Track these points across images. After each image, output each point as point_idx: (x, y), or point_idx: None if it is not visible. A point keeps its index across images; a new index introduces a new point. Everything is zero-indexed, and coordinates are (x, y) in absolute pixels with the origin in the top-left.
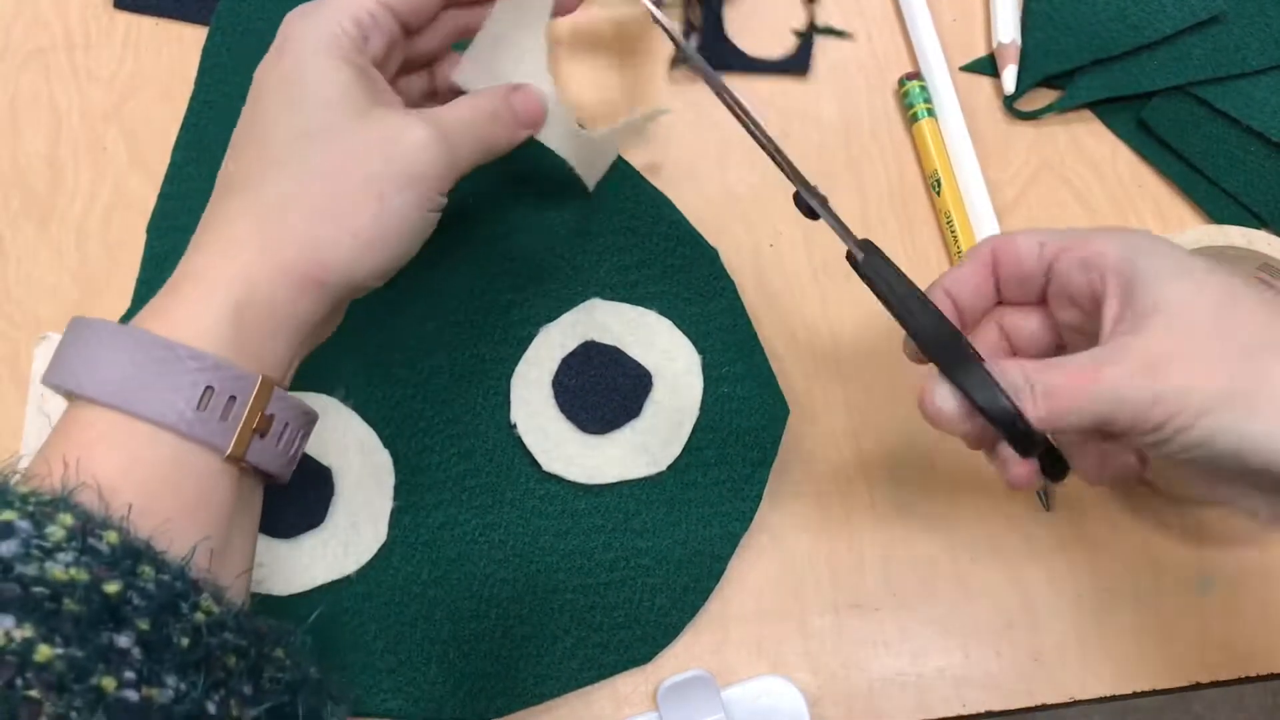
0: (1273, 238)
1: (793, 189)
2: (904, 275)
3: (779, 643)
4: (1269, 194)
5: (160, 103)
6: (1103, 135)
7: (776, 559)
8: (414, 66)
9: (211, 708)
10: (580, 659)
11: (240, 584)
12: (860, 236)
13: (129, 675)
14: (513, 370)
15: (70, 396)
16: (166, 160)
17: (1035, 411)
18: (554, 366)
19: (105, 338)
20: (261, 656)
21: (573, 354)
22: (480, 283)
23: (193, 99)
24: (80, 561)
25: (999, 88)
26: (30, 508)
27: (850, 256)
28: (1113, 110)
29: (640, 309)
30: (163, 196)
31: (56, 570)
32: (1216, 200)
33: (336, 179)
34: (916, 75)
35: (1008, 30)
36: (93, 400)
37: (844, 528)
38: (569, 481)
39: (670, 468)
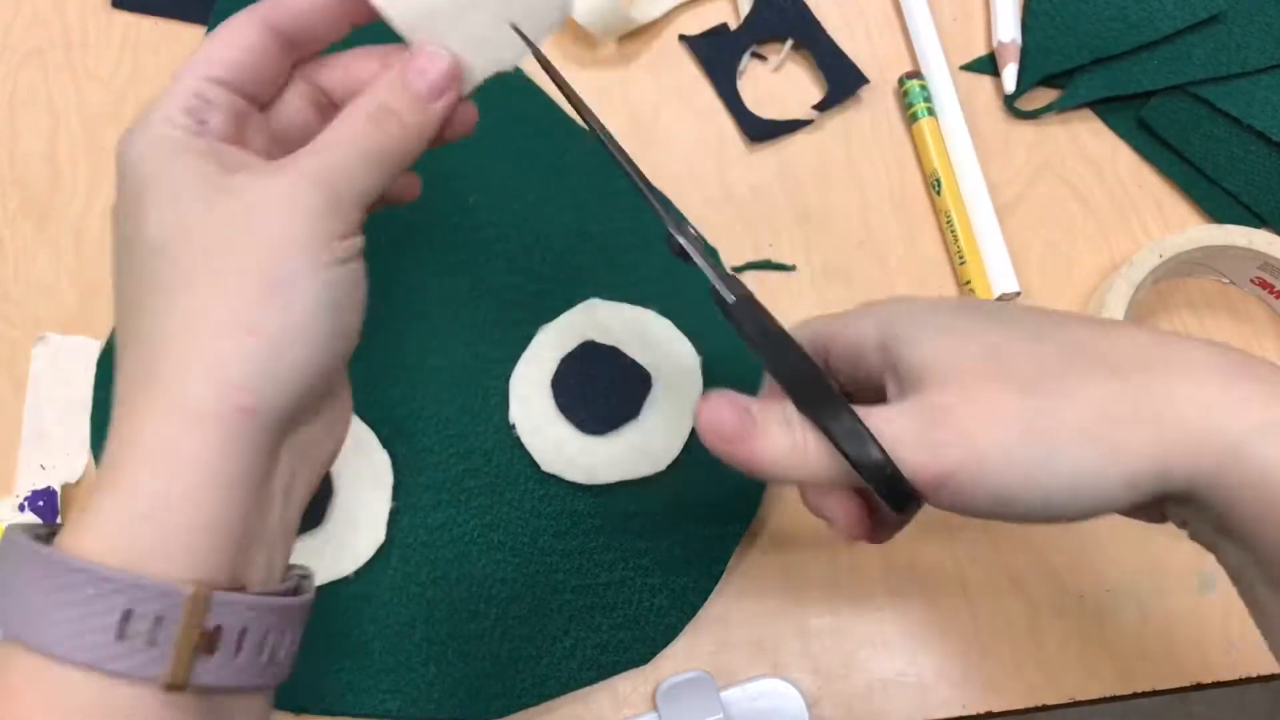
0: (1273, 237)
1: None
2: (775, 320)
3: (778, 643)
4: (1269, 194)
5: None
6: (1103, 135)
7: (777, 560)
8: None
9: None
10: (579, 659)
11: None
12: (859, 239)
13: None
14: (512, 370)
15: None
16: None
17: (931, 466)
18: (553, 366)
19: (20, 564)
20: None
21: (572, 354)
22: (479, 283)
23: None
24: None
25: (999, 87)
26: None
27: (717, 297)
28: (1113, 110)
29: (640, 309)
30: None
31: None
32: (1216, 200)
33: (203, 280)
34: (916, 75)
35: (1008, 29)
36: (14, 639)
37: None
38: (568, 482)
39: (669, 468)
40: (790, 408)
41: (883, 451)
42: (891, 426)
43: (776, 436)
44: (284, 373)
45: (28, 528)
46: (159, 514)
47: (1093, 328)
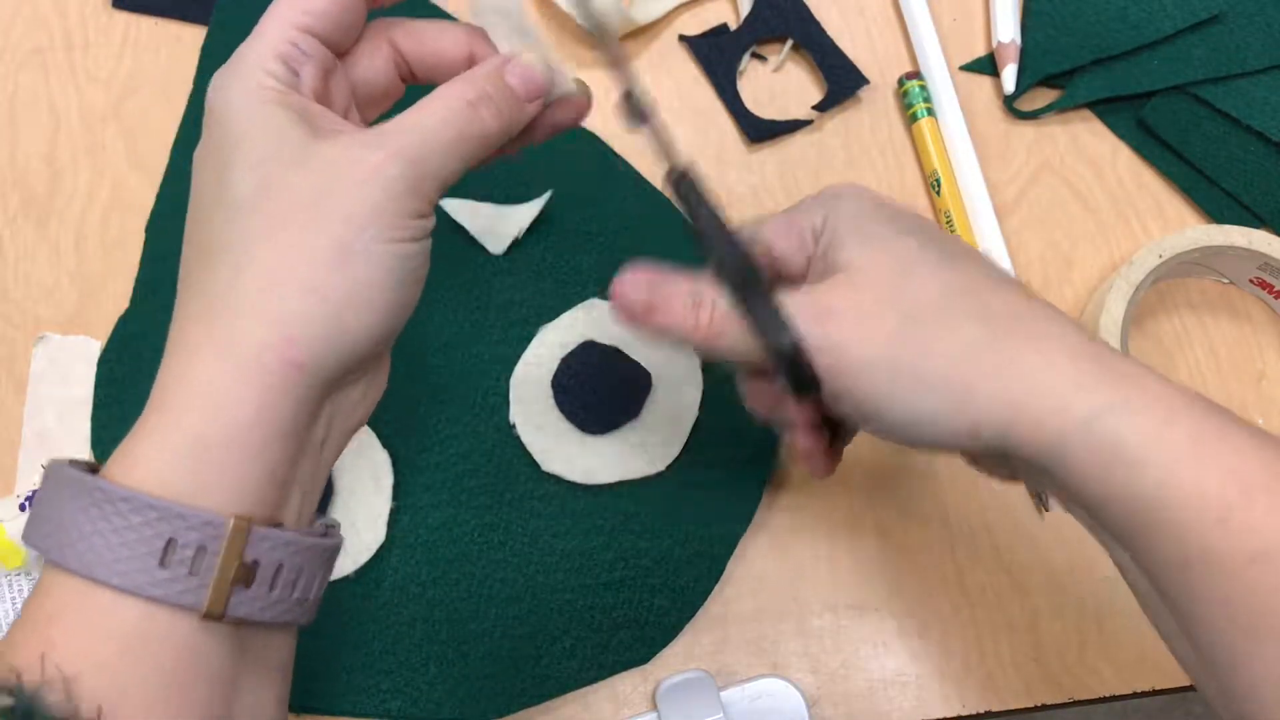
0: (1273, 237)
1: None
2: (715, 208)
3: (778, 643)
4: (1269, 194)
5: (159, 102)
6: (1103, 135)
7: (776, 559)
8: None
9: None
10: (579, 659)
11: None
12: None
13: None
14: (512, 370)
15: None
16: (165, 160)
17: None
18: (554, 366)
19: (66, 491)
20: None
21: (572, 353)
22: (480, 281)
23: (192, 98)
24: None
25: (999, 87)
26: None
27: (669, 176)
28: (1113, 110)
29: None
30: (161, 196)
31: None
32: (1216, 200)
33: (281, 240)
34: (916, 75)
35: (1007, 30)
36: (58, 565)
37: (844, 528)
38: (568, 481)
39: (670, 468)
40: (704, 287)
41: (794, 338)
42: (795, 303)
43: (680, 307)
44: (339, 337)
45: (73, 461)
46: (204, 451)
47: (985, 273)
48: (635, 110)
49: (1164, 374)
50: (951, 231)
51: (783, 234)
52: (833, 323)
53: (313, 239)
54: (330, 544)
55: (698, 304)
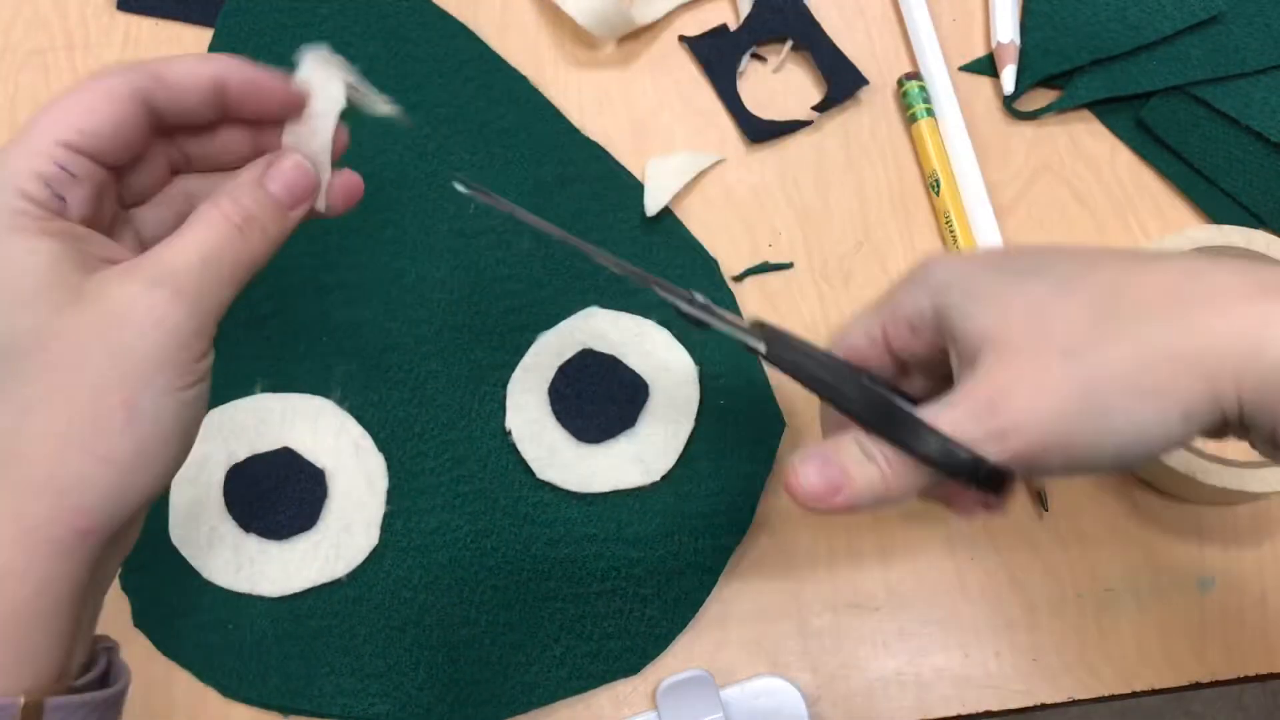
0: (1272, 238)
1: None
2: (815, 346)
3: (778, 643)
4: (1268, 194)
5: None
6: (1102, 135)
7: (776, 559)
8: (147, 199)
9: None
10: (569, 668)
11: None
12: (858, 239)
13: None
14: (509, 377)
15: None
16: None
17: (1001, 456)
18: (551, 374)
19: None
20: None
21: (570, 362)
22: (478, 288)
23: None
24: None
25: (998, 88)
26: None
27: (761, 354)
28: (1112, 110)
29: (639, 318)
30: None
31: None
32: (1216, 200)
33: (63, 402)
34: (916, 75)
35: (1007, 30)
36: None
37: (844, 528)
38: (563, 490)
39: (665, 478)
40: (863, 440)
41: (969, 452)
42: (957, 428)
43: (862, 476)
44: (128, 497)
45: None
46: None
47: (1121, 267)
48: (695, 321)
49: None
50: (951, 233)
51: (891, 326)
52: (1004, 410)
53: (97, 400)
54: (119, 690)
55: (870, 460)
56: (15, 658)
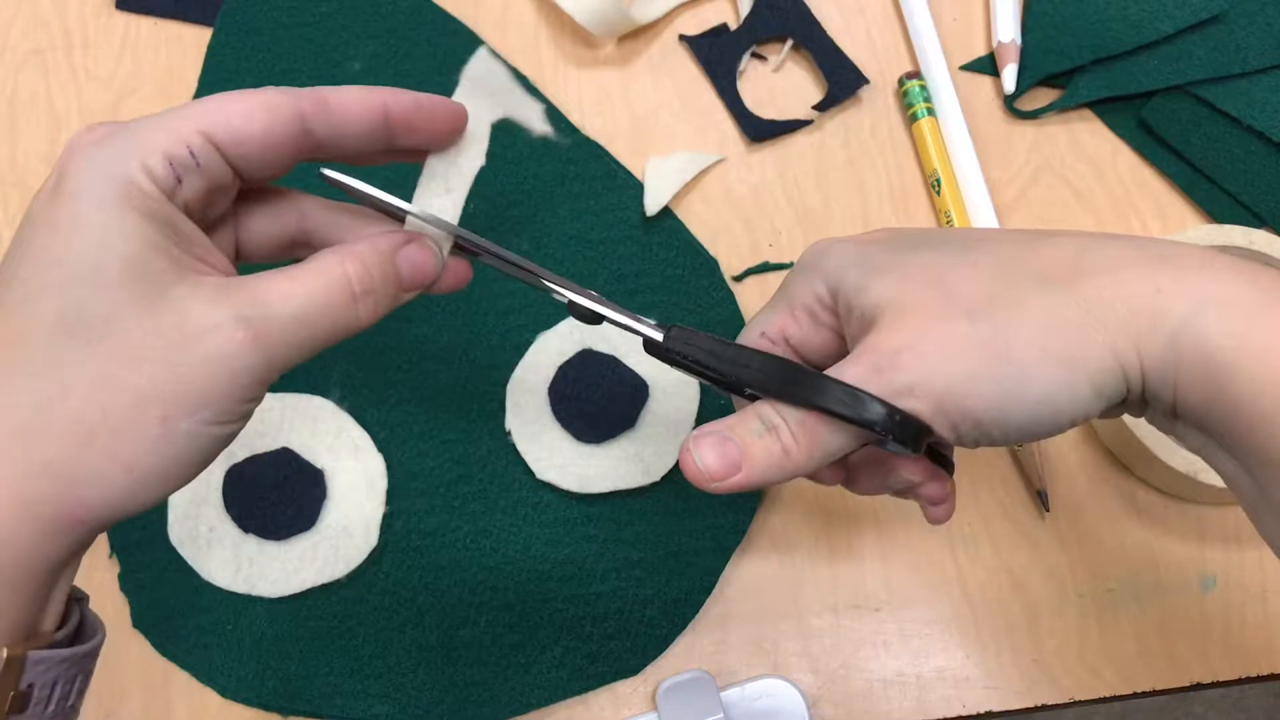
0: (1273, 237)
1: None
2: (714, 337)
3: (778, 643)
4: (1269, 194)
5: (158, 103)
6: (1103, 135)
7: (776, 559)
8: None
9: None
10: (569, 669)
11: None
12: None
13: None
14: (509, 377)
15: None
16: None
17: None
18: (550, 374)
19: None
20: None
21: (570, 362)
22: (478, 288)
23: (196, 98)
24: None
25: (999, 87)
26: None
27: (649, 343)
28: (1113, 110)
29: (639, 318)
30: None
31: None
32: (1216, 200)
33: (105, 390)
34: (916, 75)
35: (1007, 29)
36: None
37: (844, 528)
38: (562, 490)
39: (665, 479)
40: (764, 410)
41: (881, 402)
42: (859, 384)
43: (761, 450)
44: (132, 505)
45: None
46: None
47: (1017, 241)
48: (584, 315)
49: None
50: None
51: (789, 320)
52: (907, 362)
53: (138, 408)
54: (96, 644)
55: (771, 429)
56: (7, 613)
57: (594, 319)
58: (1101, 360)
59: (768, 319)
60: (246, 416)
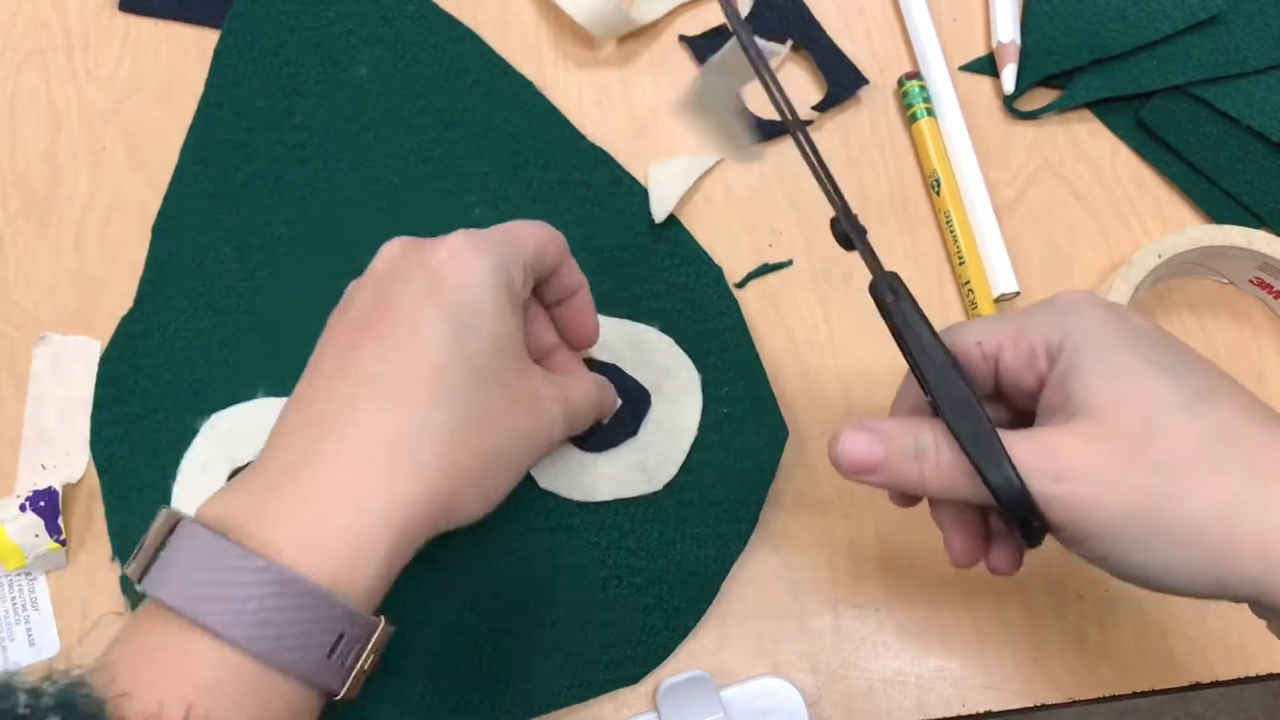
0: (1272, 237)
1: (831, 214)
2: (929, 324)
3: (778, 643)
4: (1269, 194)
5: (159, 103)
6: (1103, 135)
7: (776, 559)
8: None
9: None
10: (569, 676)
11: None
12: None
13: None
14: None
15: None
16: (165, 161)
17: (1047, 506)
18: None
19: (244, 574)
20: None
21: None
22: None
23: (202, 100)
24: None
25: (999, 87)
26: None
27: (875, 291)
28: (1112, 110)
29: (641, 325)
30: (169, 196)
31: None
32: (1216, 200)
33: (494, 431)
34: (916, 75)
35: (1007, 30)
36: (223, 640)
37: (844, 528)
38: (564, 498)
39: (667, 487)
40: (924, 436)
41: (1032, 501)
42: (1030, 455)
43: (903, 469)
44: (461, 520)
45: (203, 523)
46: (391, 564)
47: (1247, 415)
48: (844, 237)
49: None
50: (951, 232)
51: (1010, 345)
52: (1074, 483)
53: (509, 446)
54: (393, 630)
55: (920, 456)
56: (384, 591)
57: (847, 244)
58: (1243, 563)
59: (991, 332)
60: (534, 462)
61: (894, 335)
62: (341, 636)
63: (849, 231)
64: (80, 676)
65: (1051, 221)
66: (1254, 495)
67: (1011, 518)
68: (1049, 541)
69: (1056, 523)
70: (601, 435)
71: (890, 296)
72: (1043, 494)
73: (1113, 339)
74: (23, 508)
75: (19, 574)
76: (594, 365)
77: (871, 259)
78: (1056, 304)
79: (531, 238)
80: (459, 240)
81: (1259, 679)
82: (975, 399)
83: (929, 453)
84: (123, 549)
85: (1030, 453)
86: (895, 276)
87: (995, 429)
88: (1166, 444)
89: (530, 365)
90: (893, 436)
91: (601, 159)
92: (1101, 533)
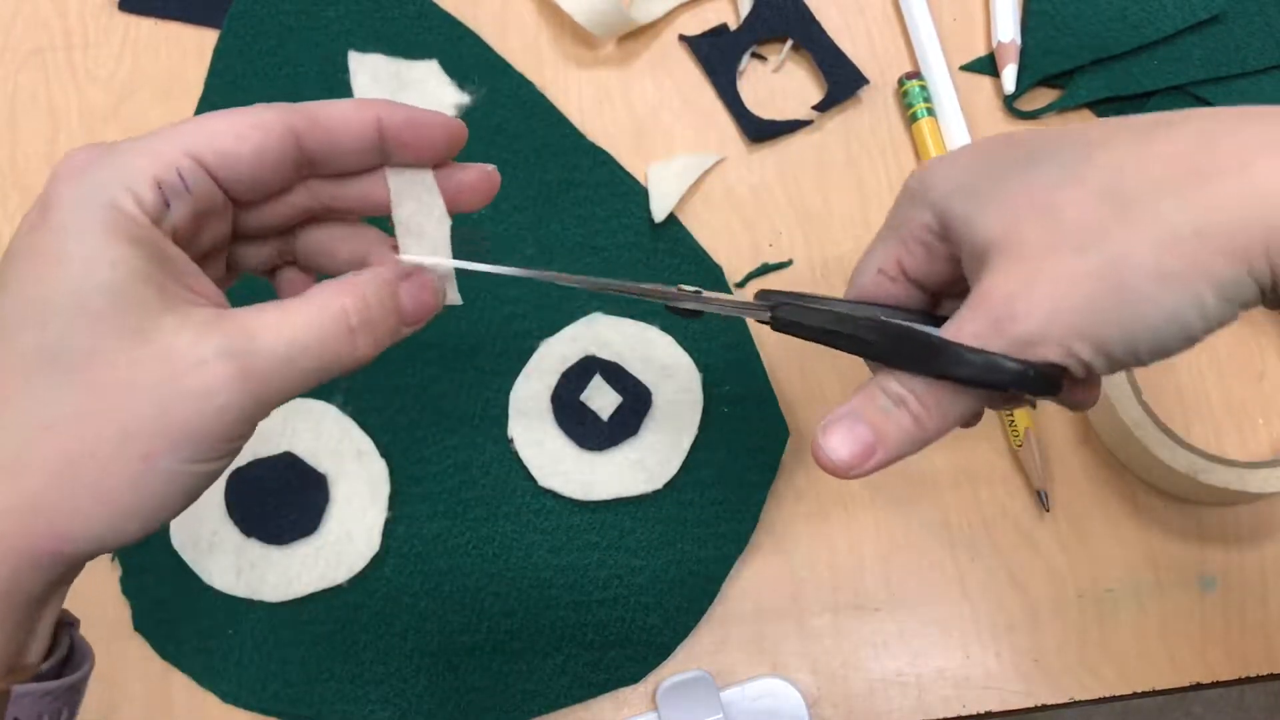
0: None
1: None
2: (830, 299)
3: (778, 643)
4: None
5: (158, 103)
6: None
7: (776, 559)
8: (259, 236)
9: None
10: (570, 676)
11: None
12: (859, 238)
13: None
14: (512, 383)
15: None
16: None
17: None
18: (554, 381)
19: None
20: None
21: (573, 368)
22: (481, 294)
23: (202, 100)
24: None
25: (999, 87)
26: None
27: (761, 321)
28: (1113, 110)
29: (642, 324)
30: None
31: None
32: None
33: (87, 425)
34: (916, 75)
35: (1007, 30)
36: None
37: (844, 528)
38: (565, 497)
39: (667, 486)
40: (888, 384)
41: (1014, 360)
42: (980, 342)
43: (894, 426)
44: (112, 540)
45: None
46: None
47: (1133, 139)
48: (687, 312)
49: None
50: None
51: (904, 254)
52: (1024, 311)
53: (120, 444)
54: (81, 676)
55: (899, 403)
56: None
57: (693, 315)
58: (1226, 270)
59: (882, 254)
60: (233, 454)
61: (816, 339)
62: None
63: (691, 306)
64: None
65: None
66: (1182, 210)
67: (1022, 390)
68: (1049, 542)
69: (1052, 360)
70: (602, 434)
71: (766, 314)
72: (1010, 349)
73: (969, 179)
74: None
75: None
76: (596, 364)
77: (728, 305)
78: (907, 191)
79: (165, 145)
80: (68, 159)
81: (1259, 679)
82: (908, 327)
83: (906, 396)
84: (121, 548)
85: (976, 325)
86: (764, 292)
87: (934, 333)
88: (1073, 220)
89: (167, 326)
90: (863, 406)
91: (601, 159)
92: (1089, 338)
